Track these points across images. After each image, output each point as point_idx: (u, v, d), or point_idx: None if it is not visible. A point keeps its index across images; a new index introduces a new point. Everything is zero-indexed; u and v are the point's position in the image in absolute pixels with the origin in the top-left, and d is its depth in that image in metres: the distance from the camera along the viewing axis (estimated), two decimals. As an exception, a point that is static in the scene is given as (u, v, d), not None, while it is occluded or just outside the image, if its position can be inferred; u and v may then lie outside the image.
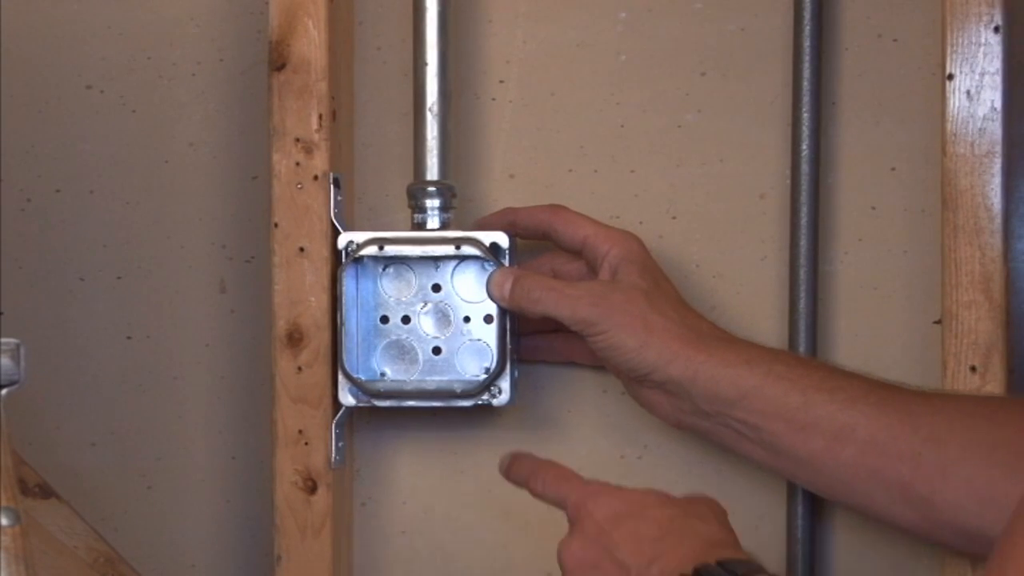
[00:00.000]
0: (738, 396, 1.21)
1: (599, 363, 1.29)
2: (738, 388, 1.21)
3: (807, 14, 1.28)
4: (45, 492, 1.28)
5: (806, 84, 1.29)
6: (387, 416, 1.32)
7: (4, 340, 0.93)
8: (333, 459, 1.27)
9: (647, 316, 1.23)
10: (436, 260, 1.28)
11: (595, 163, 1.32)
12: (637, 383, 1.25)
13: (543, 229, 1.28)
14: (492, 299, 1.27)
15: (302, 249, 1.26)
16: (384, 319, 1.28)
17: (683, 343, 1.22)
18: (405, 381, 1.28)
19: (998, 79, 1.22)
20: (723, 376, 1.22)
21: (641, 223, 1.30)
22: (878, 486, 1.20)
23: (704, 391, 1.22)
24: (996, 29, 1.22)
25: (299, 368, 1.27)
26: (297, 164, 1.26)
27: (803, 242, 1.29)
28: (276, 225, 1.26)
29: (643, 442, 1.33)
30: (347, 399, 1.27)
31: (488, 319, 1.28)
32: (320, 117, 1.26)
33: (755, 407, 1.21)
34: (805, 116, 1.29)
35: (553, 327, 1.28)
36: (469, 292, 1.28)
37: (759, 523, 1.31)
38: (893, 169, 1.30)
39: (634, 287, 1.24)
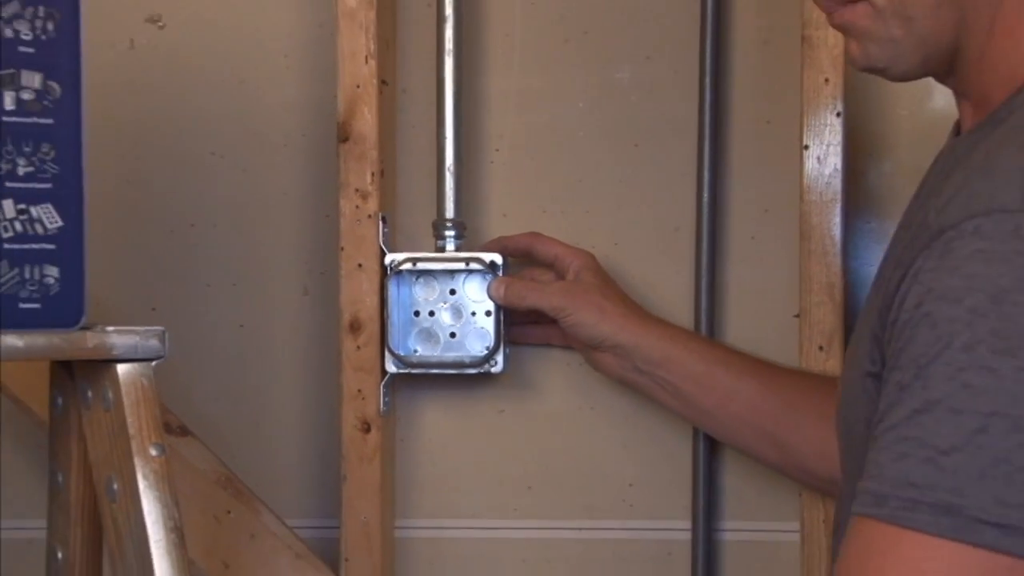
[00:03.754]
0: (663, 360, 1.22)
1: (567, 344, 1.30)
2: (664, 354, 1.22)
3: (707, 105, 1.29)
4: (183, 432, 1.30)
5: (707, 153, 1.29)
6: (418, 380, 1.32)
7: (154, 328, 0.93)
8: (381, 409, 1.27)
9: (601, 302, 1.24)
10: (452, 272, 1.28)
11: (562, 206, 1.32)
12: (594, 349, 1.25)
13: (526, 249, 1.29)
14: (491, 299, 1.27)
15: (360, 265, 1.27)
16: (416, 313, 1.28)
17: (626, 319, 1.23)
18: (431, 356, 1.28)
19: (839, 149, 1.23)
20: (655, 345, 1.23)
21: (593, 247, 1.29)
22: (753, 434, 1.21)
23: (642, 354, 1.23)
24: (838, 114, 1.22)
25: (358, 347, 1.27)
26: (357, 207, 1.26)
27: (704, 260, 1.30)
28: (342, 248, 1.27)
29: (595, 399, 1.33)
30: (391, 368, 1.27)
31: (488, 313, 1.28)
32: (372, 174, 1.26)
33: (674, 369, 1.22)
34: (706, 174, 1.29)
35: (534, 319, 1.28)
36: (475, 294, 1.28)
37: (673, 454, 1.32)
38: (767, 211, 1.31)
39: (591, 284, 1.25)
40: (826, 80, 1.22)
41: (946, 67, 0.92)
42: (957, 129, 0.96)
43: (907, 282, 0.80)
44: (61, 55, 0.92)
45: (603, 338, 1.23)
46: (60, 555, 1.01)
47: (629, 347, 1.23)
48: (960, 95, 0.93)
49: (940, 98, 1.27)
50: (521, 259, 1.30)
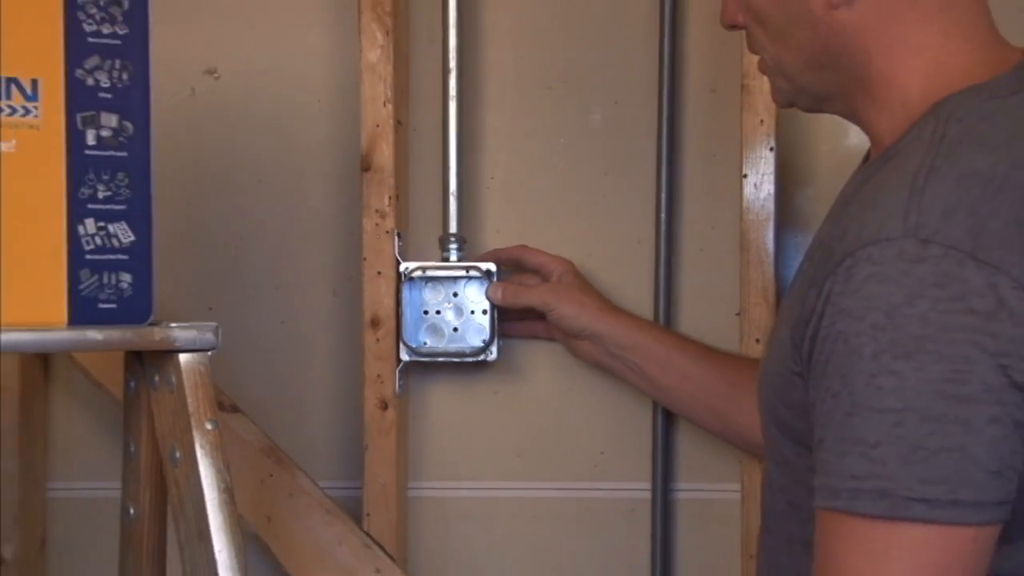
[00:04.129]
0: (632, 345, 1.22)
1: (550, 336, 1.29)
2: (633, 340, 1.22)
3: (664, 141, 1.29)
4: (234, 409, 1.30)
5: (664, 180, 1.29)
6: (427, 366, 1.32)
7: (209, 324, 0.94)
8: (397, 391, 1.27)
9: (580, 298, 1.24)
10: (455, 278, 1.28)
11: (544, 224, 1.32)
12: (574, 338, 1.25)
13: (516, 259, 1.29)
14: (488, 300, 1.27)
15: (379, 272, 1.27)
16: (425, 312, 1.28)
17: (602, 312, 1.23)
18: (437, 347, 1.28)
19: (771, 177, 1.23)
20: (625, 333, 1.23)
21: (571, 256, 1.29)
22: (702, 408, 1.22)
23: (614, 341, 1.22)
24: (771, 149, 1.23)
25: (378, 340, 1.27)
26: (376, 224, 1.26)
27: (662, 268, 1.30)
28: (365, 259, 1.27)
29: (572, 381, 1.32)
30: (405, 356, 1.27)
31: (485, 312, 1.28)
32: (389, 198, 1.26)
33: (641, 353, 1.22)
34: (663, 197, 1.30)
35: (523, 317, 1.28)
36: (474, 296, 1.28)
37: (637, 426, 1.32)
38: (713, 227, 1.30)
39: (571, 284, 1.25)
40: (761, 121, 1.22)
41: (845, 111, 0.93)
42: (866, 159, 0.97)
43: (821, 302, 0.81)
44: (134, 100, 0.93)
45: (582, 327, 1.23)
46: (132, 511, 1.02)
47: (604, 335, 1.22)
48: (866, 134, 0.94)
49: (854, 136, 1.27)
50: (511, 267, 1.30)
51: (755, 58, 0.96)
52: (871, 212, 0.80)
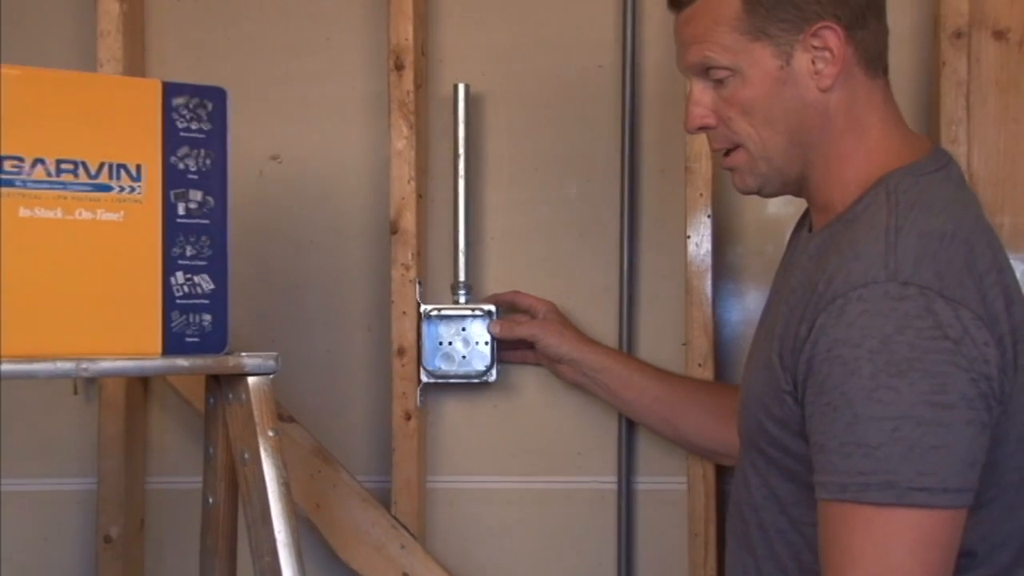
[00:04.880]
0: (602, 368, 1.21)
1: (538, 362, 1.28)
2: (602, 364, 1.21)
3: (625, 210, 1.29)
4: (290, 419, 1.28)
5: (625, 239, 1.29)
6: (442, 386, 1.30)
7: (271, 353, 0.94)
8: (418, 404, 1.27)
9: (561, 331, 1.23)
10: (463, 316, 1.27)
11: (531, 275, 1.32)
12: (556, 363, 1.24)
13: (511, 301, 1.29)
14: (489, 334, 1.26)
15: (404, 312, 1.27)
16: (440, 343, 1.27)
17: (578, 342, 1.23)
18: (450, 370, 1.27)
19: (709, 238, 1.23)
20: (595, 359, 1.21)
21: (553, 299, 1.29)
22: (655, 417, 1.21)
23: (587, 365, 1.21)
24: (709, 216, 1.23)
25: (403, 365, 1.27)
26: (402, 275, 1.26)
27: (624, 308, 1.29)
28: (392, 301, 1.26)
29: (555, 397, 1.32)
30: (424, 378, 1.27)
31: (486, 343, 1.27)
32: (412, 254, 1.26)
33: (608, 374, 1.21)
34: (625, 253, 1.29)
35: (516, 347, 1.27)
36: (478, 331, 1.27)
37: (606, 431, 1.30)
38: (664, 277, 1.30)
39: (554, 320, 1.25)
40: (700, 194, 1.23)
41: (799, 188, 0.93)
42: (808, 226, 0.95)
43: (814, 334, 0.80)
44: (215, 180, 0.94)
45: (562, 354, 1.22)
46: (211, 500, 1.02)
47: (579, 360, 1.22)
48: (811, 203, 0.94)
49: (772, 208, 1.27)
50: (507, 308, 1.30)
51: (696, 144, 0.94)
52: (855, 262, 0.80)
